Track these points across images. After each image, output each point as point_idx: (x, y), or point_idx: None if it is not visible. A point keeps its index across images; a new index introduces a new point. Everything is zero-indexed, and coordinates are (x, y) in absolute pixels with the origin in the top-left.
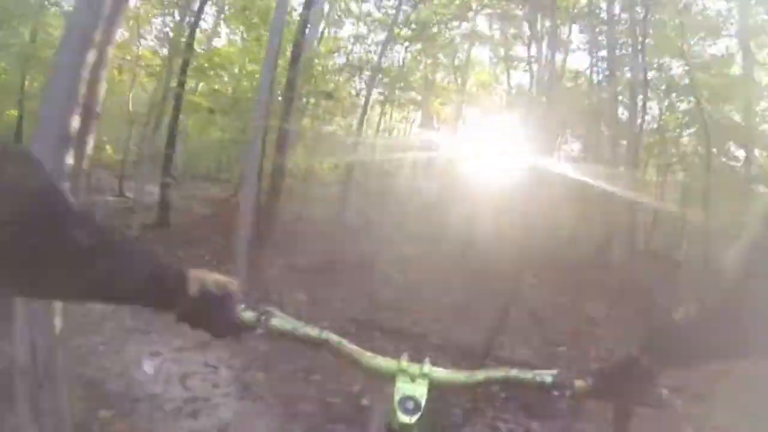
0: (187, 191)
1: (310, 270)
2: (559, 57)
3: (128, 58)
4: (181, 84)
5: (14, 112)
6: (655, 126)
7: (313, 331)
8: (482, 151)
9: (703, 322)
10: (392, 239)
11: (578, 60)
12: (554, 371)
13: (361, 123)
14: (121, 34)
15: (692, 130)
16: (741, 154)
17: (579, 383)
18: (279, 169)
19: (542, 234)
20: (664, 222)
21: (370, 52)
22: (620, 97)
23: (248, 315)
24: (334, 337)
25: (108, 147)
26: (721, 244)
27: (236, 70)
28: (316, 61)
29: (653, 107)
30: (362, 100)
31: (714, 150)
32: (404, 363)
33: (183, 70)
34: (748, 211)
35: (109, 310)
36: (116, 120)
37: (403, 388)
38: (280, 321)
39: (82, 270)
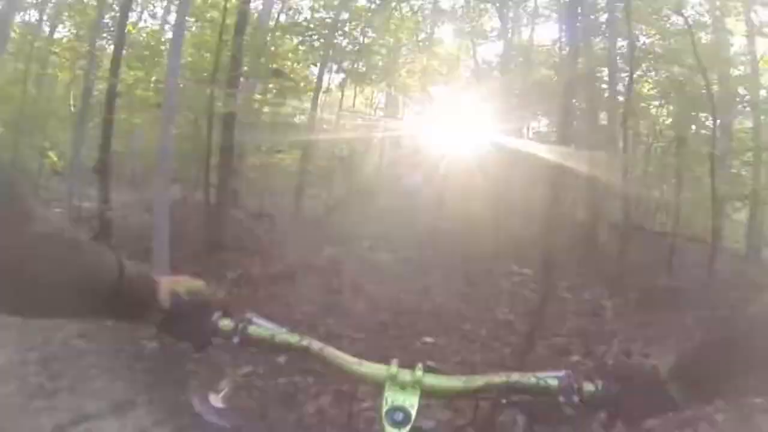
0: (143, 194)
1: (265, 280)
2: (526, 29)
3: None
4: (114, 75)
5: None
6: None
7: (293, 338)
8: (451, 133)
9: (749, 343)
10: (360, 235)
11: (547, 31)
12: (560, 373)
13: (315, 104)
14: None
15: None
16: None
17: (588, 387)
18: (225, 160)
19: (524, 220)
20: (640, 194)
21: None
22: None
23: (225, 323)
24: (315, 343)
25: (51, 153)
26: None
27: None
28: (270, 41)
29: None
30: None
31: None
32: (394, 369)
33: (115, 60)
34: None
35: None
36: (61, 122)
37: (391, 397)
38: (258, 328)
39: (43, 277)
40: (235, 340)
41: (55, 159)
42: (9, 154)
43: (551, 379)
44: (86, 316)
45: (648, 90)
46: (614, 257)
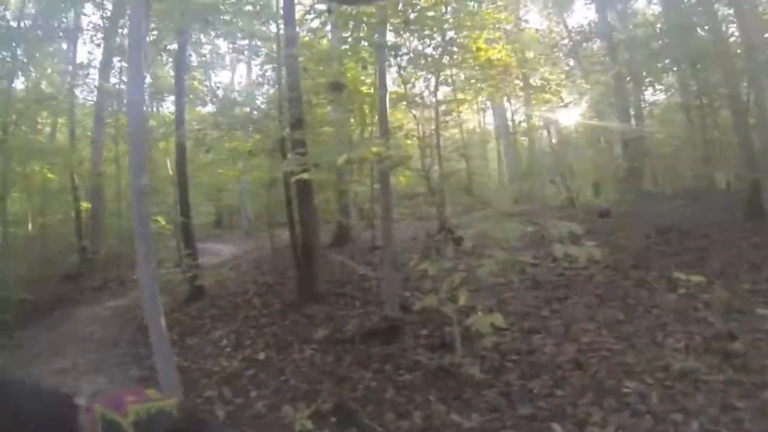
0: (254, 243)
1: (359, 338)
2: None
3: None
4: (179, 127)
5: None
6: None
7: None
8: (569, 121)
9: None
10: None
11: None
12: None
13: (383, 108)
14: None
15: None
16: None
17: None
18: (304, 193)
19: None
20: None
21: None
22: None
23: None
24: None
25: (159, 218)
26: None
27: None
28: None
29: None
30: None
31: None
32: None
33: (178, 113)
34: None
35: None
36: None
37: None
38: None
39: None
40: None
41: (163, 223)
42: (117, 223)
43: None
44: None
45: None
46: None
